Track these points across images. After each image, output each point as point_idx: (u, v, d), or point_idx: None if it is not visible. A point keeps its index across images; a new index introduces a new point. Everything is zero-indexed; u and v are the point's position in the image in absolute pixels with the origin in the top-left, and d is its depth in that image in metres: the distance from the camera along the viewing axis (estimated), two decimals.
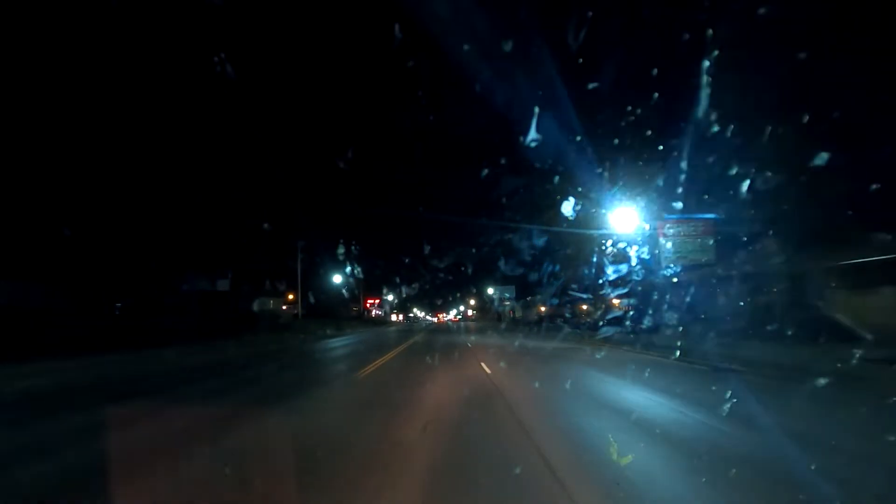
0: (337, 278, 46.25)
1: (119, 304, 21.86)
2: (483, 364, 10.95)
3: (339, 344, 21.61)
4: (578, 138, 16.79)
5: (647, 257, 16.58)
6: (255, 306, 35.28)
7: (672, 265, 14.25)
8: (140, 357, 13.26)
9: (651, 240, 15.55)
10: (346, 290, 50.64)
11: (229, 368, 12.08)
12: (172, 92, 23.62)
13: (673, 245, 13.84)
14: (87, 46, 19.05)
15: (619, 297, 33.09)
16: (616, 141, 16.71)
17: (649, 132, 15.83)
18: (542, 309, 50.52)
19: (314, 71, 45.25)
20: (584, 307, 43.14)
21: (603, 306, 38.81)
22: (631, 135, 16.08)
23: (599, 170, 18.24)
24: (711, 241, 13.81)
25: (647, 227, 14.28)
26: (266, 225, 31.75)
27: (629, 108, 15.45)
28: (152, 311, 21.90)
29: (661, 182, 13.93)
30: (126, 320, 20.08)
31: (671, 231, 13.91)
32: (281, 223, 32.82)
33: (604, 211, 17.28)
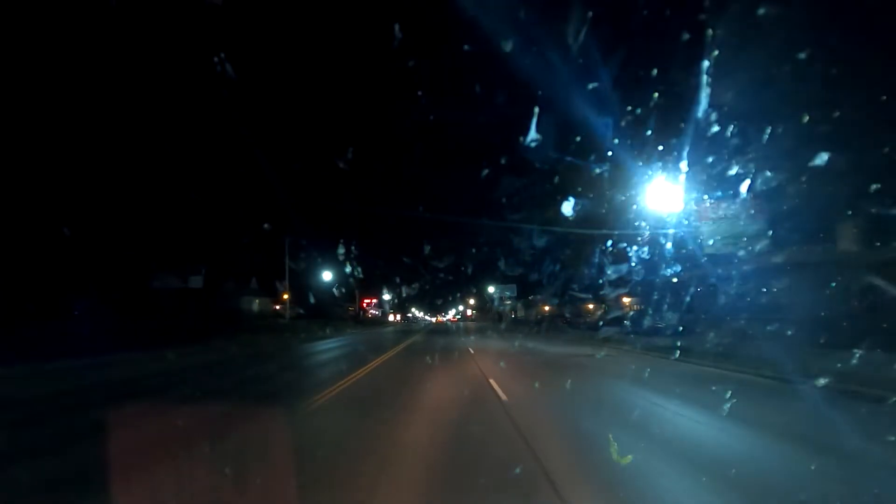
0: (331, 277, 44.14)
1: (78, 305, 19.48)
2: (494, 384, 8.47)
3: (325, 347, 19.29)
4: (579, 138, 15.87)
5: (673, 247, 14.71)
6: (241, 305, 33.11)
7: (715, 252, 11.87)
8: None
9: (681, 224, 13.32)
10: (343, 290, 48.90)
11: (174, 379, 9.76)
12: (161, 87, 21.77)
13: (717, 229, 11.50)
14: (69, 35, 17.25)
15: (626, 295, 31.94)
16: (637, 125, 15.02)
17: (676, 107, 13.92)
18: (546, 308, 49.18)
19: (314, 71, 44.34)
20: (590, 306, 41.72)
21: (603, 306, 38.01)
22: (658, 112, 14.14)
23: (600, 169, 17.27)
24: (766, 224, 11.44)
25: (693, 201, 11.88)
26: (254, 221, 29.88)
27: (648, 91, 13.78)
28: (116, 311, 19.56)
29: (701, 156, 11.61)
30: (82, 322, 17.69)
31: (715, 212, 11.53)
32: (275, 221, 30.78)
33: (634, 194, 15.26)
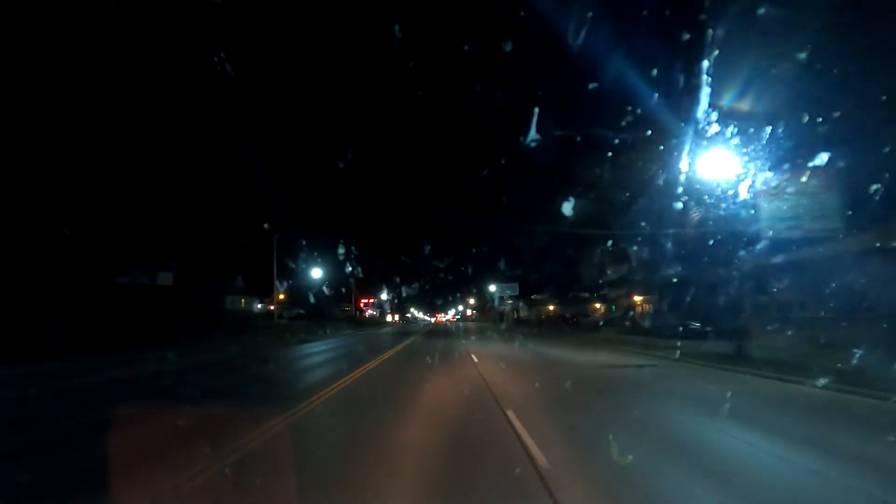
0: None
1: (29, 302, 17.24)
2: (515, 418, 6.32)
3: (306, 352, 17.17)
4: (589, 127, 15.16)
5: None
6: (226, 305, 31.03)
7: (776, 236, 9.67)
8: None
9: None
10: (343, 290, 47.42)
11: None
12: (157, 84, 20.16)
13: (779, 208, 9.33)
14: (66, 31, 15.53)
15: (638, 293, 30.44)
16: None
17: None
18: (550, 308, 47.62)
19: (314, 70, 42.87)
20: (596, 305, 40.29)
21: (608, 305, 36.94)
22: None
23: (602, 169, 17.01)
24: (837, 201, 9.27)
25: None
26: (247, 220, 28.36)
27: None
28: (74, 310, 17.38)
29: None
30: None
31: (780, 187, 9.33)
32: (270, 220, 28.87)
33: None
